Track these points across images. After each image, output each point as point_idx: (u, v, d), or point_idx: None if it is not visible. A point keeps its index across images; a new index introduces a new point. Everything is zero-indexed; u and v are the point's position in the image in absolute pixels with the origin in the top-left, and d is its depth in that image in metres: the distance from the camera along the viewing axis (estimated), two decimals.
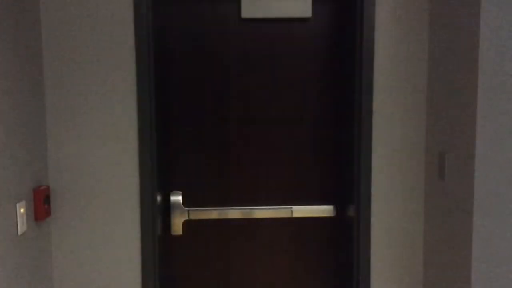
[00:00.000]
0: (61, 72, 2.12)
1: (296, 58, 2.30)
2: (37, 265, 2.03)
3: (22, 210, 1.87)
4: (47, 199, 2.08)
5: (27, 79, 1.95)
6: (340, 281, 2.42)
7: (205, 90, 2.30)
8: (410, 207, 2.25)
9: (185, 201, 2.34)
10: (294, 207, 2.34)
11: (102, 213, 2.18)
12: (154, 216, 2.18)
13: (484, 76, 1.77)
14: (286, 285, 2.42)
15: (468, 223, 1.85)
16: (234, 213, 2.34)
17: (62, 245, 2.19)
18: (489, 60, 1.77)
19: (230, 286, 2.41)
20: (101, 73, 2.12)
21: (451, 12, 1.98)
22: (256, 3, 2.10)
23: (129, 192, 2.18)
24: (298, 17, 2.16)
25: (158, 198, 2.23)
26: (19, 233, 1.85)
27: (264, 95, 2.32)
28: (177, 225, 2.32)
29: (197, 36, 2.26)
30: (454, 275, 1.97)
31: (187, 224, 2.36)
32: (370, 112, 2.17)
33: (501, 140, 1.80)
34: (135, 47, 2.11)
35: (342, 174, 2.36)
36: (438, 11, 2.09)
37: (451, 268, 2.00)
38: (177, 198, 2.31)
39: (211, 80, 2.30)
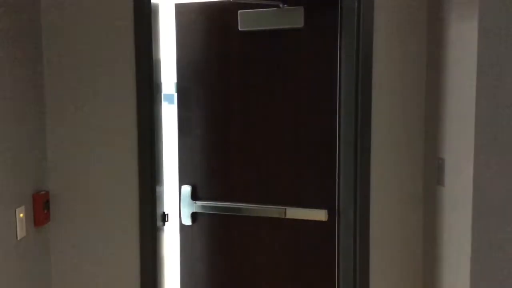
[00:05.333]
0: (62, 77, 2.13)
1: (290, 65, 2.36)
2: (36, 270, 2.03)
3: (21, 215, 1.88)
4: (46, 205, 2.08)
5: (27, 84, 1.96)
6: (341, 285, 2.42)
7: (211, 96, 2.39)
8: (409, 214, 2.25)
9: (194, 195, 2.50)
10: (288, 208, 2.39)
11: (102, 218, 2.19)
12: (153, 222, 2.19)
13: (482, 81, 1.78)
14: (287, 283, 2.44)
15: (467, 229, 1.85)
16: (232, 208, 2.45)
17: (61, 250, 2.20)
18: (487, 65, 1.77)
19: (231, 274, 2.47)
20: (102, 77, 2.14)
21: (448, 19, 1.99)
22: (251, 16, 2.28)
23: (129, 198, 2.19)
24: (290, 27, 2.28)
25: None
26: (18, 238, 1.85)
27: (264, 101, 2.37)
28: (186, 216, 2.51)
29: (200, 46, 2.39)
30: (454, 282, 1.97)
31: (194, 215, 2.52)
32: (368, 119, 2.17)
33: (500, 146, 1.80)
34: (134, 52, 2.12)
35: (340, 180, 2.37)
36: (436, 16, 2.10)
37: (451, 275, 2.00)
38: (186, 191, 2.49)
39: (215, 87, 2.39)
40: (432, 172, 2.16)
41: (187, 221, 2.51)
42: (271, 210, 2.41)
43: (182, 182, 2.53)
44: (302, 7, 2.28)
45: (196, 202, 2.49)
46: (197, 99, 2.47)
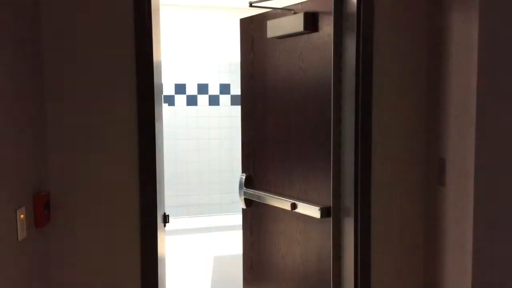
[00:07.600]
0: (62, 77, 2.13)
1: (298, 65, 2.51)
2: (36, 271, 2.03)
3: (22, 216, 1.87)
4: (47, 205, 2.08)
5: (28, 84, 1.96)
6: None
7: (257, 102, 2.82)
8: (410, 214, 2.25)
9: (246, 183, 2.94)
10: (298, 202, 2.53)
11: (103, 219, 2.19)
12: (154, 221, 2.18)
13: (482, 83, 1.78)
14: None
15: (469, 229, 1.85)
16: (262, 197, 2.80)
17: (62, 251, 2.19)
18: (487, 67, 1.78)
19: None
20: (102, 79, 2.13)
21: (449, 19, 1.99)
22: (274, 25, 2.63)
23: (130, 199, 2.18)
24: (294, 32, 2.51)
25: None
26: (19, 239, 1.85)
27: (285, 100, 2.64)
28: (242, 201, 2.98)
29: (255, 55, 2.82)
30: (455, 282, 1.97)
31: (246, 200, 2.96)
32: (369, 119, 2.17)
33: (500, 146, 1.80)
34: (135, 52, 2.12)
35: (342, 180, 2.37)
36: (437, 21, 2.10)
37: (452, 274, 2.00)
38: (242, 179, 2.98)
39: (260, 95, 2.79)
40: (433, 172, 2.16)
41: (243, 205, 2.98)
42: (283, 202, 2.64)
43: (242, 171, 3.01)
44: (302, 13, 2.43)
45: (246, 189, 2.91)
46: (251, 106, 2.88)
